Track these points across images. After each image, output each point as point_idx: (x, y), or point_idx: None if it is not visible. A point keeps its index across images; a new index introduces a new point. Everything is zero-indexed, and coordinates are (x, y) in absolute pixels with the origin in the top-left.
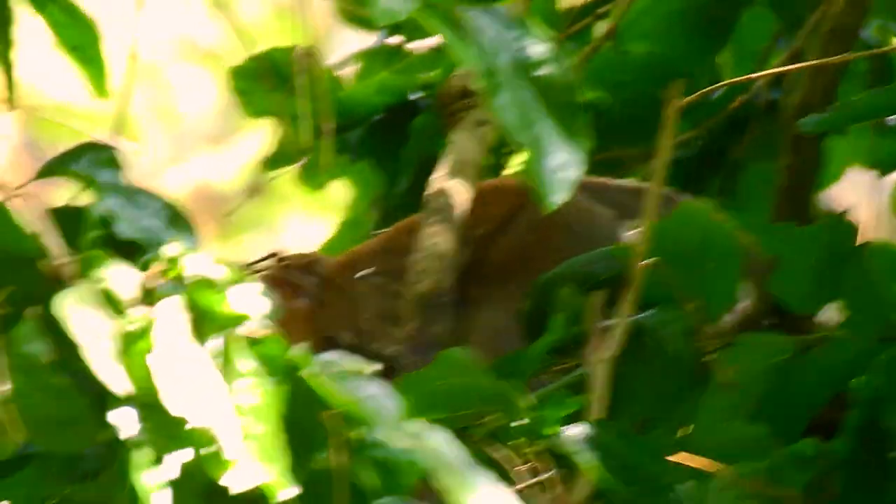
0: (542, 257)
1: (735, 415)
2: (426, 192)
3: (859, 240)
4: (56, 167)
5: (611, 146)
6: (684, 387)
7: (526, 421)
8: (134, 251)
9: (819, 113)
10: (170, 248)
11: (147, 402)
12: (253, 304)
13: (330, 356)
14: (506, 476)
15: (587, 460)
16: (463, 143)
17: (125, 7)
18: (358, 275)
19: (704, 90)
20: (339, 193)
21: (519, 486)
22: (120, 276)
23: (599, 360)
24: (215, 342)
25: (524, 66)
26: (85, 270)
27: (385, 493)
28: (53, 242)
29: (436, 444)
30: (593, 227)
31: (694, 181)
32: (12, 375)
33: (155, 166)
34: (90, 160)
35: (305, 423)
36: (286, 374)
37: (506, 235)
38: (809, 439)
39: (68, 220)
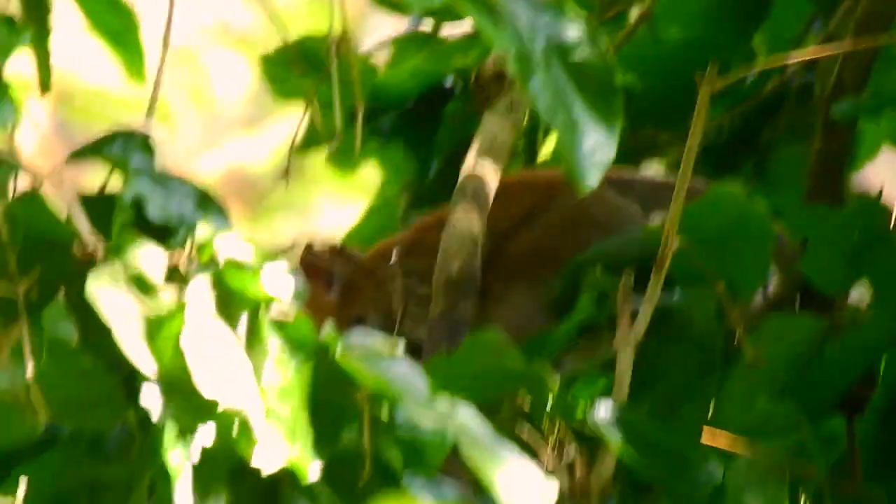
0: (569, 253)
1: (762, 395)
2: (461, 175)
3: (893, 222)
4: (88, 152)
5: (644, 130)
6: (712, 367)
7: (554, 401)
8: (165, 235)
9: (852, 97)
10: (201, 231)
11: (175, 383)
12: (283, 286)
13: (358, 336)
14: (533, 455)
15: (615, 439)
16: (495, 126)
17: None
18: (390, 262)
19: (738, 74)
20: (371, 177)
21: (546, 466)
22: (151, 259)
23: (627, 340)
24: (244, 323)
25: (558, 50)
26: (116, 253)
27: (412, 472)
28: (84, 226)
29: (464, 420)
30: (621, 223)
31: (726, 164)
32: (38, 357)
33: (188, 150)
34: (123, 145)
35: (333, 403)
36: (314, 355)
37: (531, 230)
38: (836, 418)
39: (99, 204)
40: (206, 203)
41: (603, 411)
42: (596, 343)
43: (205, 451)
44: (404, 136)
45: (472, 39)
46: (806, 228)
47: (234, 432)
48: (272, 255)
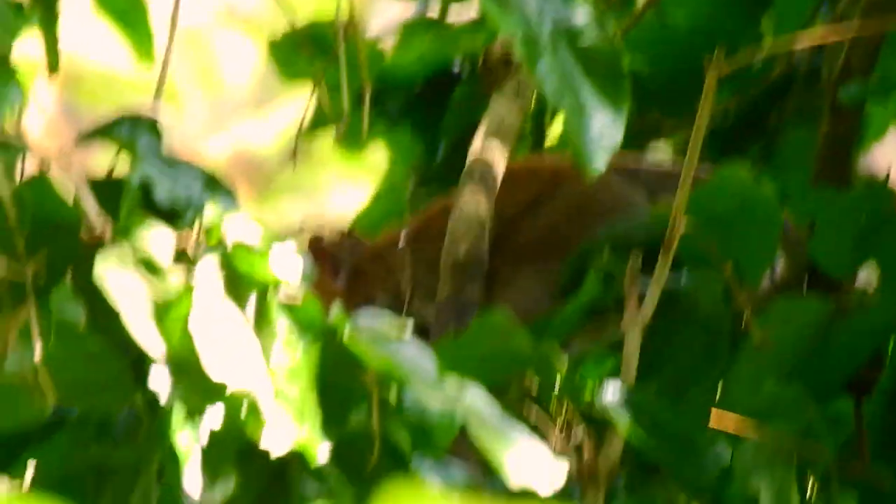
0: (575, 239)
1: (770, 377)
2: (468, 158)
3: None
4: (96, 135)
5: (651, 114)
6: (720, 349)
7: (561, 382)
8: (173, 218)
9: (860, 80)
10: (209, 213)
11: (183, 365)
12: (291, 268)
13: (366, 317)
14: (541, 437)
15: (623, 421)
16: (502, 109)
17: None
18: (397, 248)
19: (745, 58)
20: (378, 160)
21: (554, 448)
22: (158, 241)
23: (635, 322)
24: (252, 305)
25: (566, 33)
26: (123, 236)
27: (420, 454)
28: (92, 209)
29: (473, 402)
30: (626, 210)
31: (733, 148)
32: (46, 339)
33: (195, 133)
34: (130, 128)
35: (341, 384)
36: (322, 336)
37: (536, 217)
38: (844, 400)
39: (107, 187)
40: (214, 185)
41: (611, 393)
42: (603, 326)
43: (213, 434)
44: (412, 119)
45: (479, 24)
46: (813, 211)
47: (243, 414)
48: (280, 237)
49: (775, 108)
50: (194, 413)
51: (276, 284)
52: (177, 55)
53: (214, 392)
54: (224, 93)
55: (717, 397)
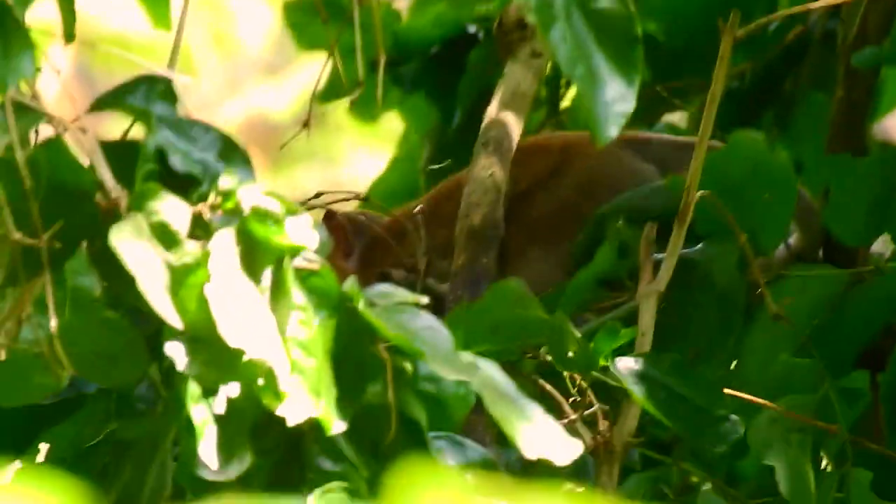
0: (586, 214)
1: (785, 348)
2: (483, 125)
3: None
4: (111, 100)
5: (666, 79)
6: (735, 320)
7: (575, 353)
8: (188, 184)
9: (875, 45)
10: (225, 181)
11: (199, 335)
12: (308, 236)
13: (381, 289)
14: (554, 409)
15: (638, 392)
16: (517, 75)
17: None
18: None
19: (760, 21)
20: (395, 125)
21: (567, 420)
22: (174, 209)
23: (649, 293)
24: (268, 275)
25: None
26: (139, 204)
27: (434, 428)
28: (107, 174)
29: (488, 373)
30: (636, 184)
31: (748, 113)
32: (61, 310)
33: (210, 96)
34: (145, 92)
35: (357, 356)
36: (338, 307)
37: (547, 192)
38: (859, 373)
39: (122, 153)
40: (230, 152)
41: (625, 363)
42: (618, 297)
43: (230, 404)
44: (427, 84)
45: None
46: (827, 179)
47: (260, 383)
48: (296, 205)
49: (790, 74)
50: (210, 385)
51: (293, 252)
52: (192, 19)
53: (231, 361)
54: (239, 57)
55: (732, 369)
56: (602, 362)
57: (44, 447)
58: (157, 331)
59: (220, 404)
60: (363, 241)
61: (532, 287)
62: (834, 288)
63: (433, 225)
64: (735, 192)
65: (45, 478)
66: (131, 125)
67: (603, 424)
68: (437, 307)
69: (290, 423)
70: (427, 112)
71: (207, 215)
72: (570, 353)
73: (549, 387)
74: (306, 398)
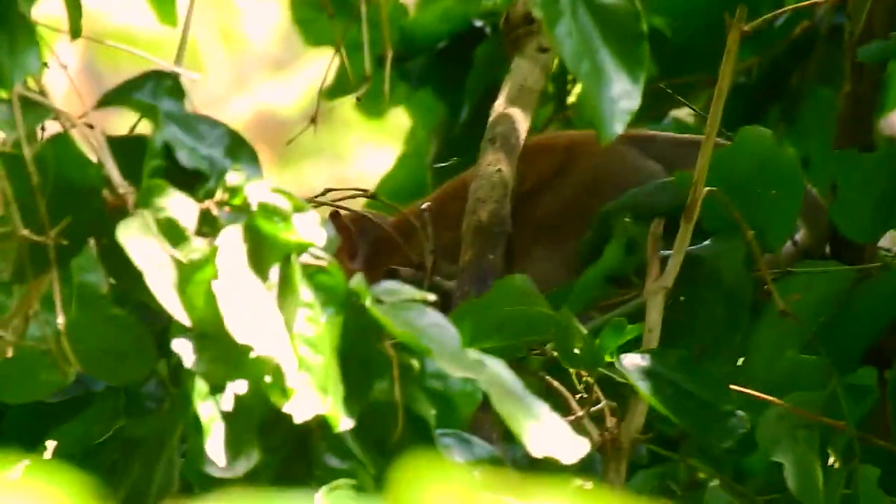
0: (591, 212)
1: (792, 344)
2: (490, 120)
3: None
4: (118, 96)
5: (672, 74)
6: (741, 316)
7: (581, 350)
8: (196, 180)
9: (881, 39)
10: (232, 177)
11: (207, 332)
12: (315, 233)
13: (388, 286)
14: (561, 406)
15: (645, 388)
16: (524, 70)
17: None
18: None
19: (767, 17)
20: (402, 121)
21: (573, 417)
22: (181, 205)
23: (656, 289)
24: (275, 271)
25: None
26: (146, 200)
27: (441, 425)
28: (114, 170)
29: (494, 371)
30: (641, 182)
31: (755, 109)
32: (69, 307)
33: (218, 92)
34: (152, 89)
35: (364, 353)
36: (345, 304)
37: (553, 191)
38: (866, 369)
39: (129, 149)
40: (237, 148)
41: (632, 360)
42: (625, 294)
43: (237, 399)
44: (434, 80)
45: None
46: (834, 175)
47: (267, 380)
48: (303, 201)
49: (797, 69)
50: (218, 382)
51: (300, 249)
52: (198, 15)
53: (238, 358)
54: (246, 53)
55: (739, 365)
56: (608, 359)
57: (51, 444)
58: (165, 328)
59: (227, 401)
60: (367, 242)
61: (538, 286)
62: (841, 284)
63: (439, 225)
64: (742, 189)
65: (53, 474)
66: (138, 121)
67: (610, 421)
68: (445, 304)
69: (298, 420)
70: (434, 107)
71: (215, 212)
72: (577, 350)
73: (555, 383)
74: (313, 395)
